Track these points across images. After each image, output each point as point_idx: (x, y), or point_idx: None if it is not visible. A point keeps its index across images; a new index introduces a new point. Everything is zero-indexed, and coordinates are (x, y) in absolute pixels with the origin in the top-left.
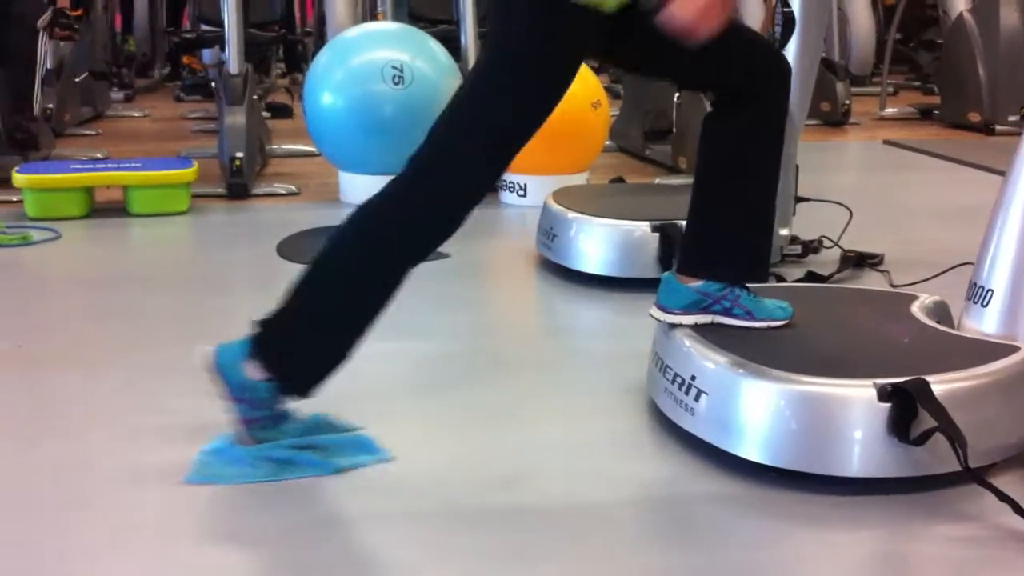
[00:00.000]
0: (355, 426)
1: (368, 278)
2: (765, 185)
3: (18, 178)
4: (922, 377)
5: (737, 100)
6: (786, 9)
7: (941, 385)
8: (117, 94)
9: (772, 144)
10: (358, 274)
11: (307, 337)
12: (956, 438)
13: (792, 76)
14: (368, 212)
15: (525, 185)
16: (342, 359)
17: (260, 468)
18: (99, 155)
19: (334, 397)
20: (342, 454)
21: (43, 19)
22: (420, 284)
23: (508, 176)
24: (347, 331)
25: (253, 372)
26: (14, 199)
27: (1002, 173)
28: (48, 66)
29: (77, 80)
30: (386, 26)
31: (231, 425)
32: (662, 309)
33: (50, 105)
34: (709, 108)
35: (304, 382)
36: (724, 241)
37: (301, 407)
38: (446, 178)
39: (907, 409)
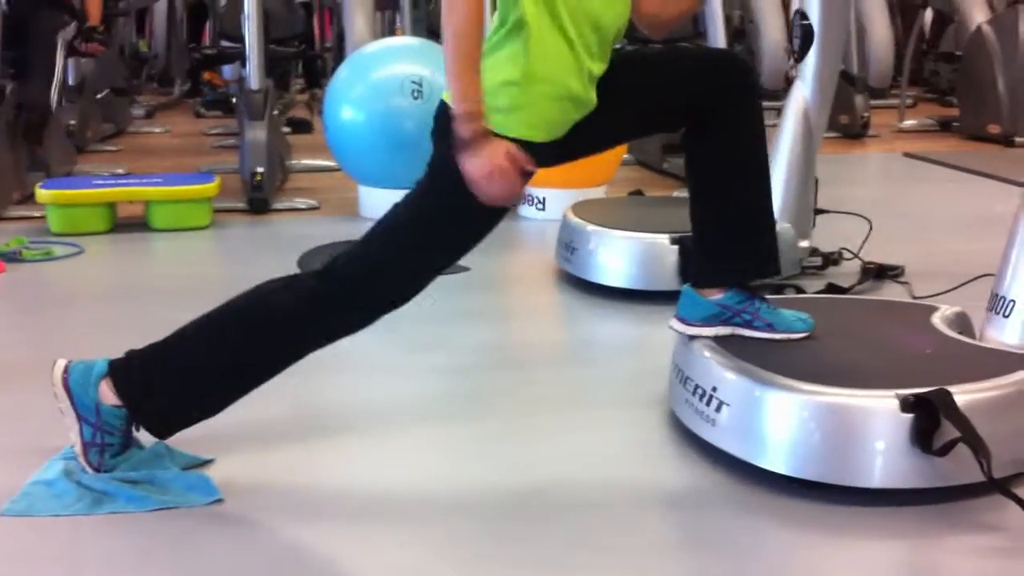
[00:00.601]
0: (199, 459)
1: (257, 355)
2: (757, 185)
3: (41, 194)
4: (945, 388)
5: (708, 115)
6: (804, 22)
7: (964, 396)
8: (138, 110)
9: (754, 144)
10: (248, 347)
11: (174, 383)
12: (979, 448)
13: (811, 88)
14: (279, 296)
15: (544, 199)
16: (205, 415)
17: (80, 501)
18: (121, 171)
19: (355, 410)
20: (170, 491)
21: (67, 31)
22: (440, 297)
23: (528, 189)
24: (218, 394)
25: (107, 395)
26: (37, 215)
27: (1022, 184)
28: (70, 82)
29: (99, 96)
30: (405, 41)
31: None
32: (682, 321)
33: (72, 121)
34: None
35: (158, 423)
36: (729, 246)
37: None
38: (369, 290)
39: (930, 420)
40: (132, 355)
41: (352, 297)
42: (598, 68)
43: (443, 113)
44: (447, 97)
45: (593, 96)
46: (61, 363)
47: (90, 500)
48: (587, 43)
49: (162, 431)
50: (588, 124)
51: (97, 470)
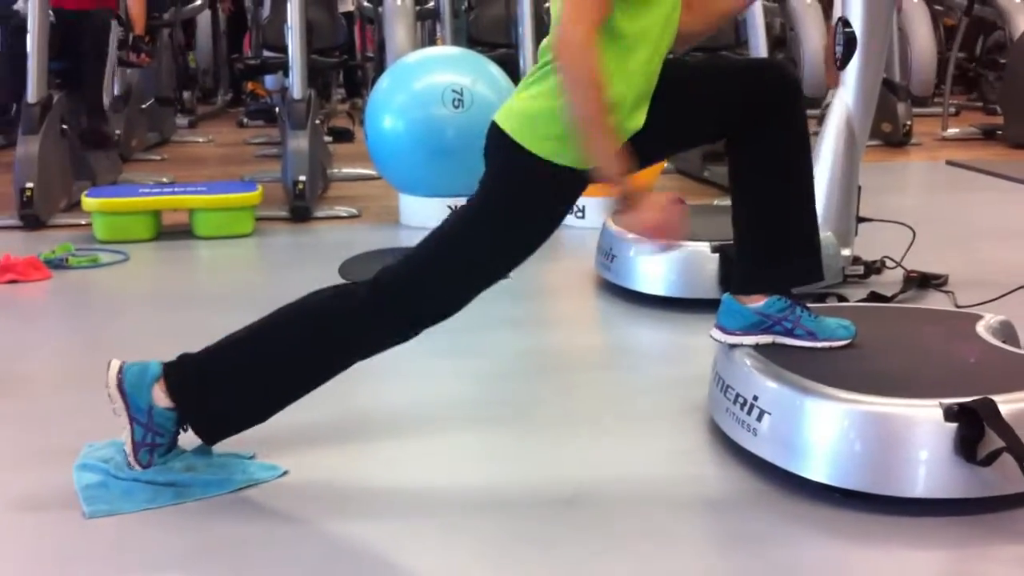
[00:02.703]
0: (243, 455)
1: (307, 362)
2: (801, 192)
3: (88, 202)
4: (989, 397)
5: (754, 124)
6: (847, 30)
7: (1008, 405)
8: (182, 120)
9: (798, 152)
10: (299, 355)
11: (226, 387)
12: None
13: (853, 96)
14: (330, 305)
15: (584, 207)
16: (254, 421)
17: (160, 495)
18: (165, 179)
19: (397, 414)
20: (244, 471)
21: (113, 38)
22: (481, 305)
23: None
24: (268, 400)
25: (159, 398)
26: (83, 222)
27: None
28: (116, 92)
29: (144, 107)
30: (446, 50)
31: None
32: (723, 330)
33: (118, 131)
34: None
35: (210, 429)
36: (771, 253)
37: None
38: (417, 303)
39: (974, 429)
40: (185, 359)
41: (402, 308)
42: (648, 89)
43: (496, 134)
44: (500, 120)
45: (641, 119)
46: (116, 364)
47: (171, 492)
48: (639, 70)
49: (212, 434)
50: (633, 143)
51: (146, 468)
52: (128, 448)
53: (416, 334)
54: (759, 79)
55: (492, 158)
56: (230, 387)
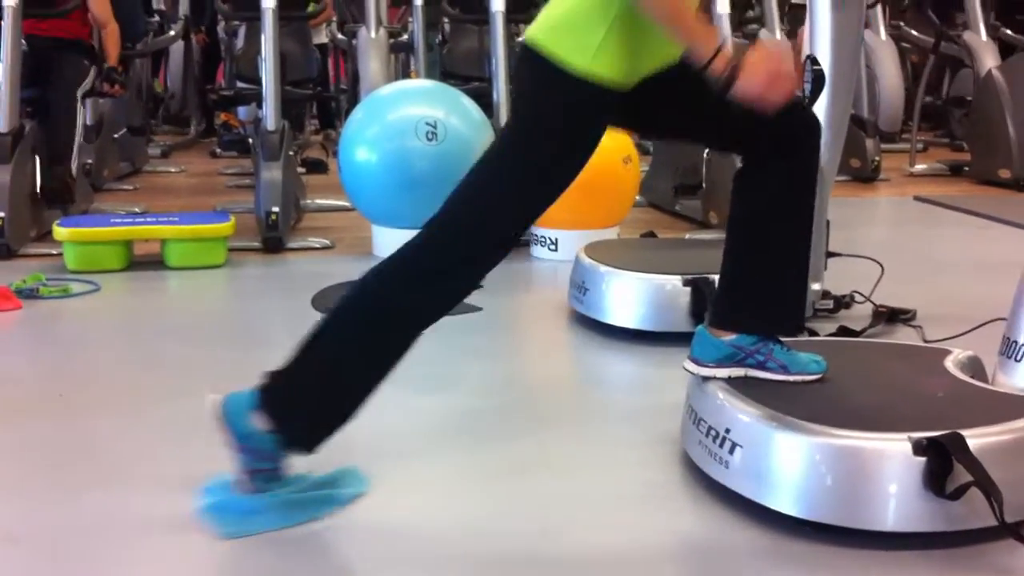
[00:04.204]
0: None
1: (379, 340)
2: (797, 239)
3: (59, 231)
4: (957, 432)
5: (768, 157)
6: (816, 67)
7: (977, 439)
8: (154, 150)
9: (803, 199)
10: (369, 335)
11: (313, 393)
12: (992, 492)
13: (822, 132)
14: (385, 275)
15: (556, 239)
16: (347, 417)
17: (290, 514)
18: (137, 209)
19: (365, 448)
20: (343, 485)
21: (85, 84)
22: (452, 336)
23: (539, 231)
24: (354, 390)
25: (259, 423)
26: (55, 252)
27: None
28: (88, 122)
29: (116, 136)
30: (420, 83)
31: (229, 474)
32: (696, 362)
33: (89, 160)
34: (740, 164)
35: (307, 437)
36: (757, 295)
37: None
38: (468, 239)
39: (943, 463)
40: (271, 377)
41: (446, 250)
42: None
43: (527, 55)
44: (532, 35)
45: (676, 52)
46: (214, 399)
47: (296, 512)
48: None
49: (310, 443)
50: (659, 96)
51: (257, 495)
52: (239, 478)
53: (483, 273)
54: (792, 112)
55: (522, 82)
56: (317, 390)
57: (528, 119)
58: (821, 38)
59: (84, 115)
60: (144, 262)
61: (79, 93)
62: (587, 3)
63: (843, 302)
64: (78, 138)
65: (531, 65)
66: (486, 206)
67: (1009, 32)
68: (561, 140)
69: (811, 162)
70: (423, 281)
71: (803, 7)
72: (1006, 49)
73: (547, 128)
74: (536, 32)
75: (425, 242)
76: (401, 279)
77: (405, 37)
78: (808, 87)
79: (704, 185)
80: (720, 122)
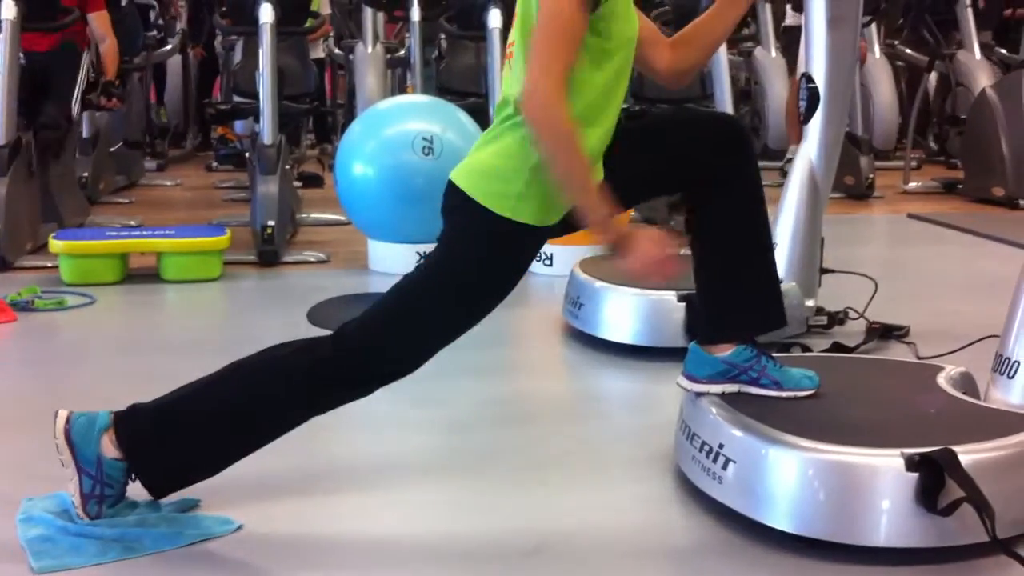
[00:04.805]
0: (189, 502)
1: (264, 416)
2: (759, 243)
3: (55, 244)
4: (949, 448)
5: (710, 179)
6: (811, 85)
7: (969, 455)
8: (150, 163)
9: (756, 207)
10: (256, 408)
11: (179, 439)
12: (984, 508)
13: (817, 149)
14: (290, 360)
15: (551, 255)
16: (205, 474)
17: (110, 549)
18: (133, 222)
19: (359, 465)
20: (196, 526)
21: (78, 91)
22: (447, 351)
23: None
24: (221, 453)
25: (108, 448)
26: (50, 265)
27: None
28: (85, 135)
29: (112, 149)
30: (417, 99)
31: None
32: (689, 378)
33: (85, 173)
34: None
35: (160, 479)
36: (735, 304)
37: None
38: (377, 360)
39: (935, 479)
40: (137, 409)
41: (362, 365)
42: (602, 146)
43: (453, 192)
44: (457, 178)
45: (599, 173)
46: (63, 414)
47: (120, 547)
48: (595, 127)
49: (162, 487)
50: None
51: (95, 520)
52: (76, 500)
53: (375, 390)
54: (716, 137)
55: (450, 216)
56: (182, 439)
57: (455, 246)
58: (816, 56)
59: (81, 124)
60: (140, 275)
61: (77, 98)
62: (506, 151)
63: (837, 318)
64: (78, 90)
65: (457, 198)
66: (408, 332)
67: (1004, 51)
68: (487, 268)
69: (751, 172)
70: (332, 374)
71: (798, 27)
72: (1008, 70)
73: (474, 257)
74: (460, 176)
75: (337, 358)
76: (312, 365)
77: (402, 52)
78: (804, 104)
79: None
80: (659, 174)
